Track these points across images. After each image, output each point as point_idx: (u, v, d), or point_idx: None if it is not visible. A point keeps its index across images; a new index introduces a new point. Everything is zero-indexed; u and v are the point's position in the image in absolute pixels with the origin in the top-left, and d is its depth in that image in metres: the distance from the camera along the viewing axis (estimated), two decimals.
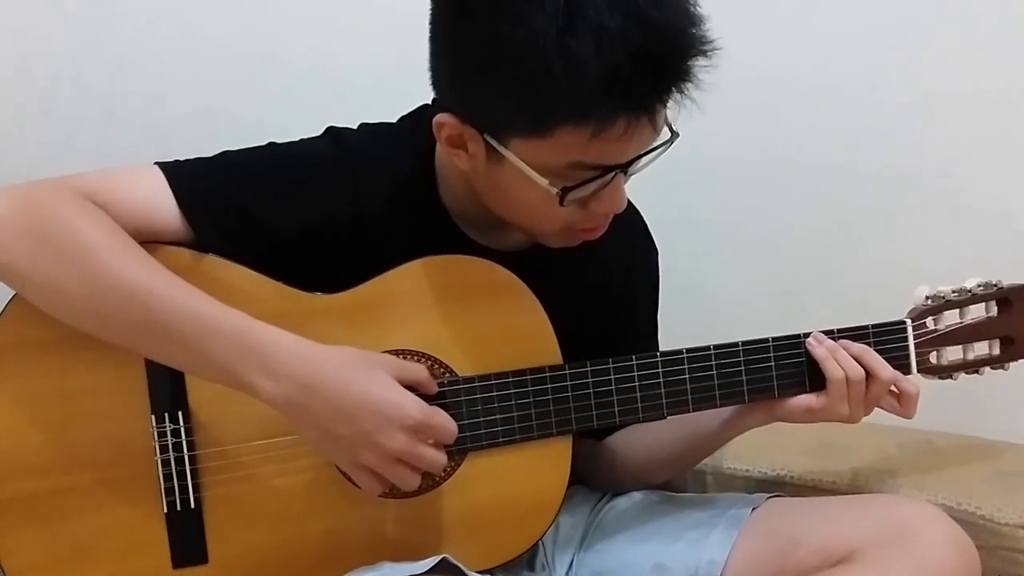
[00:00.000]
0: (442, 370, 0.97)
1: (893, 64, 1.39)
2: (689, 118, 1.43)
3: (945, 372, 1.09)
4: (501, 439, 0.97)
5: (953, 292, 1.09)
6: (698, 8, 0.86)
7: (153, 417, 0.92)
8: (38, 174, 0.92)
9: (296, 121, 1.04)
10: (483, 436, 0.97)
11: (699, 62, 0.84)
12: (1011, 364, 1.11)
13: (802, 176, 1.45)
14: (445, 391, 0.96)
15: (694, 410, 1.02)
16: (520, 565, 1.06)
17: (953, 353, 1.10)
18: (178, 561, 0.93)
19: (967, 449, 1.24)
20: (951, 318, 1.09)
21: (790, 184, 1.46)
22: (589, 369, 0.99)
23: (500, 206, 0.95)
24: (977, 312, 1.10)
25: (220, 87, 1.29)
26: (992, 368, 1.12)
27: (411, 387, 0.89)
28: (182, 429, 0.92)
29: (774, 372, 1.02)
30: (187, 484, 0.92)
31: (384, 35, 1.30)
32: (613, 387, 0.99)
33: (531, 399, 0.98)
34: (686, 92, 0.85)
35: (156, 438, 0.92)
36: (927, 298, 1.09)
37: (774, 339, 1.02)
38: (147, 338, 0.86)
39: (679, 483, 1.24)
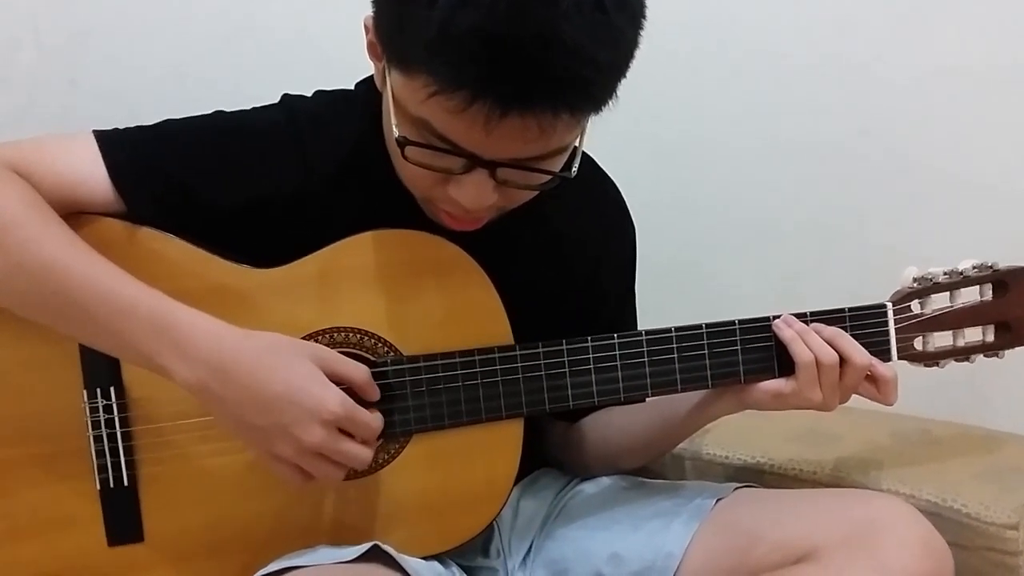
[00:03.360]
0: (386, 349, 0.93)
1: (899, 37, 1.30)
2: (685, 97, 1.39)
3: (931, 359, 1.02)
4: (447, 421, 0.93)
5: (944, 274, 1.02)
6: (621, 52, 0.79)
7: (85, 392, 0.90)
8: None
9: (277, 89, 1.00)
10: (428, 418, 0.93)
11: (569, 91, 0.77)
12: (1006, 352, 1.04)
13: (803, 157, 1.38)
14: (388, 371, 0.92)
15: (653, 395, 0.97)
16: (474, 550, 1.03)
17: (941, 339, 1.03)
18: (113, 539, 0.91)
19: (965, 440, 1.17)
20: (940, 302, 1.03)
21: (790, 165, 1.39)
22: (541, 351, 0.94)
23: (386, 145, 0.91)
24: (970, 296, 1.03)
25: (193, 52, 1.25)
26: (986, 356, 1.05)
27: (341, 382, 0.86)
28: (114, 405, 0.90)
29: (740, 356, 0.96)
30: (120, 461, 0.90)
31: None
32: (567, 370, 0.95)
33: (479, 381, 0.94)
34: (558, 113, 0.77)
35: (88, 414, 0.90)
36: (914, 280, 1.02)
37: (740, 321, 0.97)
38: (64, 317, 0.84)
39: (656, 468, 1.19)
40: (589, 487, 1.09)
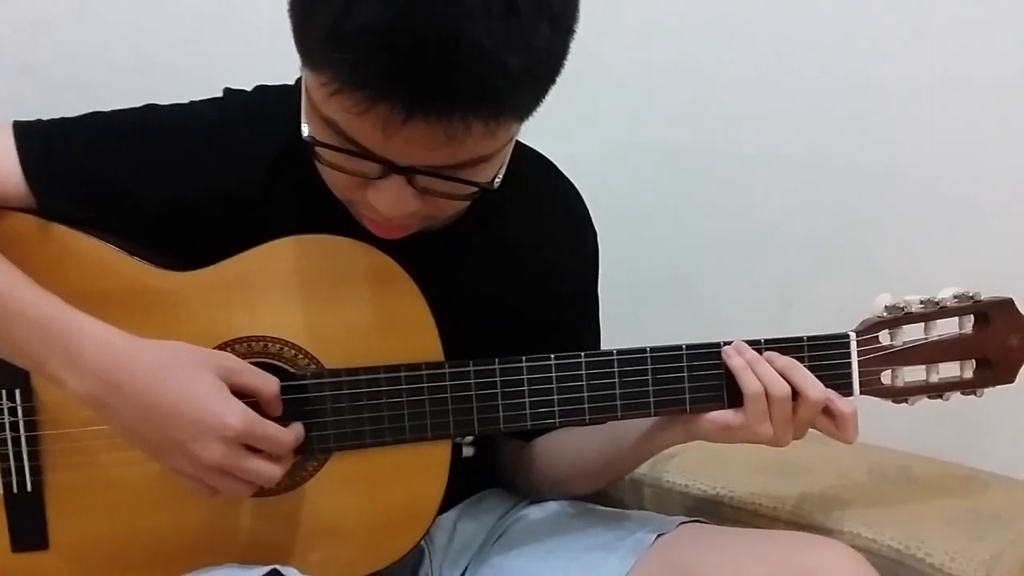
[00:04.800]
0: (307, 361, 0.88)
1: (900, 47, 1.21)
2: (678, 107, 1.32)
3: (900, 395, 0.95)
4: (368, 440, 0.88)
5: (920, 303, 0.95)
6: (538, 58, 0.71)
7: None
8: None
9: (247, 81, 0.96)
10: (348, 435, 0.88)
11: (475, 98, 0.70)
12: (984, 390, 0.96)
13: (798, 169, 1.30)
14: (308, 384, 0.88)
15: (591, 422, 0.91)
16: (403, 574, 0.98)
17: (912, 374, 0.95)
18: (17, 545, 0.88)
19: (947, 480, 1.10)
20: (914, 333, 0.95)
21: (785, 177, 1.31)
22: (471, 369, 0.89)
23: None
24: (947, 328, 0.96)
25: (159, 40, 1.21)
26: (963, 393, 0.97)
27: (248, 394, 0.81)
28: (19, 408, 0.86)
29: (686, 384, 0.90)
30: (24, 466, 0.87)
31: None
32: (498, 391, 0.89)
33: (404, 398, 0.88)
34: (467, 121, 0.71)
35: None
36: (886, 308, 0.94)
37: (688, 346, 0.90)
38: None
39: (615, 493, 1.14)
40: (534, 512, 1.03)
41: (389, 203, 0.79)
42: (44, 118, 0.91)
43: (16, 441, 0.87)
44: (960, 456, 1.17)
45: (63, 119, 0.90)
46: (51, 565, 0.88)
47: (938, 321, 0.95)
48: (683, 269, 1.38)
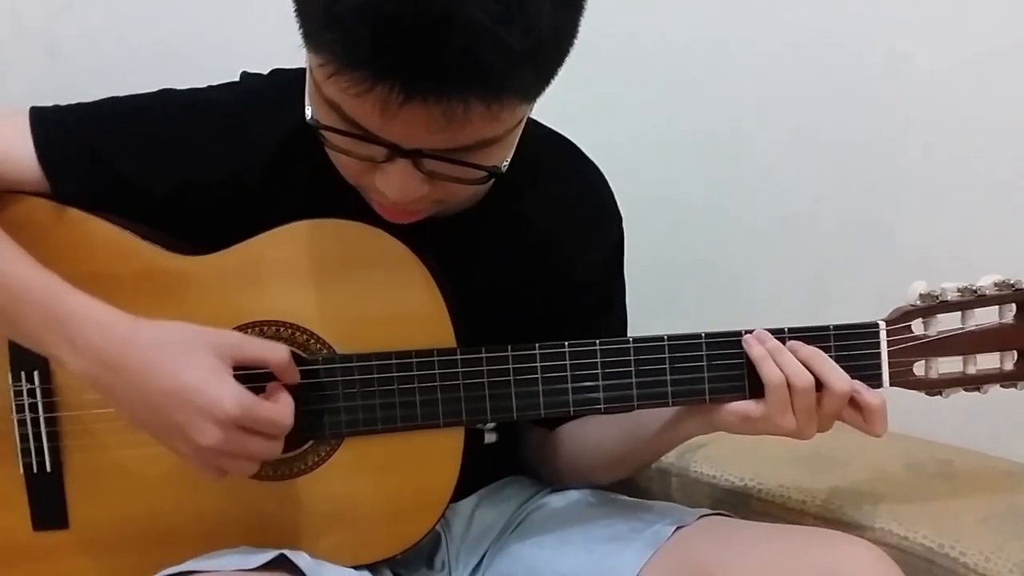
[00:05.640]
0: (319, 346, 0.88)
1: (937, 19, 1.16)
2: (707, 87, 1.28)
3: (934, 387, 0.91)
4: (380, 426, 0.88)
5: (957, 291, 0.90)
6: (540, 36, 0.69)
7: (10, 375, 0.88)
8: None
9: (267, 66, 0.95)
10: (360, 421, 0.88)
11: (473, 78, 0.68)
12: None
13: (832, 149, 1.25)
14: (319, 369, 0.87)
15: (606, 411, 0.89)
16: (419, 560, 0.98)
17: (948, 365, 0.91)
18: (38, 523, 0.89)
19: (988, 476, 1.05)
20: (950, 322, 0.91)
21: (818, 158, 1.26)
22: (484, 356, 0.87)
23: None
24: (987, 317, 0.91)
25: (179, 25, 1.21)
26: (1002, 386, 0.92)
27: (256, 366, 0.81)
28: (37, 389, 0.87)
29: (705, 373, 0.87)
30: (43, 447, 0.88)
31: None
32: (511, 379, 0.87)
33: (416, 385, 0.87)
34: (467, 102, 0.69)
35: (12, 397, 0.88)
36: (920, 296, 0.90)
37: (707, 335, 0.87)
38: None
39: (643, 483, 1.12)
40: (555, 500, 1.01)
41: (396, 187, 0.78)
42: (67, 102, 0.92)
43: (35, 422, 0.88)
44: (1009, 450, 1.12)
45: (78, 105, 0.91)
46: (70, 543, 0.90)
47: (976, 310, 0.90)
48: (713, 256, 1.34)
